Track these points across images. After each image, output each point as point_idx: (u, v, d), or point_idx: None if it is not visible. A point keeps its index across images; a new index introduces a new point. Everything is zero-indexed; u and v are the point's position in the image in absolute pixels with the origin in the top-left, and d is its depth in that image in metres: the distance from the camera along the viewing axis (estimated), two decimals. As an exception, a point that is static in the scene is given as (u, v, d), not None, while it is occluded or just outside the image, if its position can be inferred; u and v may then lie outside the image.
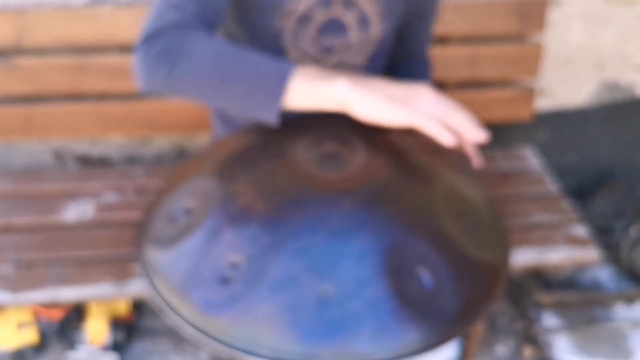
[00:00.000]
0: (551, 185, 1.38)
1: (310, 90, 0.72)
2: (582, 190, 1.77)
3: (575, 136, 1.74)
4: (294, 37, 0.92)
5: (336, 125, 0.82)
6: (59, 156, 1.62)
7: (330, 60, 0.97)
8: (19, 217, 1.30)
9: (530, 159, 1.49)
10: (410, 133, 0.88)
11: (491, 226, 0.74)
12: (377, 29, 0.94)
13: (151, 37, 0.75)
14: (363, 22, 0.93)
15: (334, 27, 0.92)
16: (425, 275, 0.62)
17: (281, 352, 0.58)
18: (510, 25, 1.41)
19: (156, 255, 0.70)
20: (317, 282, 0.60)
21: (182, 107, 1.43)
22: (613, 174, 1.80)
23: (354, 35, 0.94)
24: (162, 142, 1.63)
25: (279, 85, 0.71)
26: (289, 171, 0.70)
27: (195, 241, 0.66)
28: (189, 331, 0.62)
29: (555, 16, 1.52)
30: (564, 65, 1.61)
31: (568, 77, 1.63)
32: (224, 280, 0.62)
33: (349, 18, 0.92)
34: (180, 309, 0.64)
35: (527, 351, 1.47)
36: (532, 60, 1.46)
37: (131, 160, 1.64)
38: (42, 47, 1.34)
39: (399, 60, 1.10)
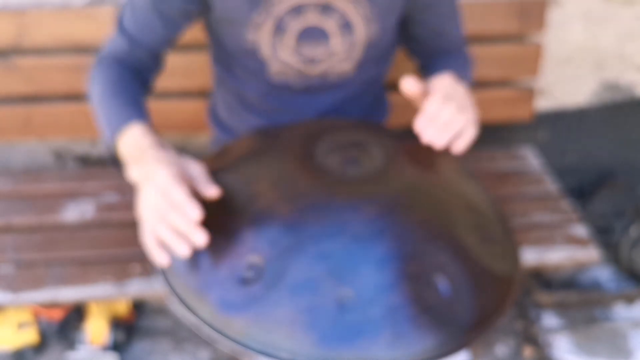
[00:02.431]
0: (551, 185, 1.38)
1: (127, 161, 0.77)
2: (582, 190, 1.77)
3: (575, 136, 1.74)
4: (272, 49, 0.90)
5: (355, 130, 0.82)
6: (59, 156, 1.62)
7: (314, 70, 0.94)
8: (19, 217, 1.30)
9: (530, 159, 1.49)
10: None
11: (503, 238, 0.74)
12: (363, 33, 0.90)
13: (96, 63, 0.91)
14: (346, 27, 0.89)
15: (314, 35, 0.89)
16: (443, 284, 0.62)
17: (299, 355, 0.58)
18: (510, 25, 1.41)
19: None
20: (336, 287, 0.60)
21: (182, 107, 1.43)
22: (613, 174, 1.80)
23: (336, 42, 0.90)
24: (162, 142, 1.63)
25: (111, 143, 0.80)
26: (311, 175, 0.70)
27: (215, 239, 0.66)
28: (206, 330, 0.62)
29: (555, 16, 1.52)
30: (564, 65, 1.61)
31: (568, 77, 1.63)
32: (243, 281, 0.62)
33: (330, 24, 0.89)
34: (198, 308, 0.63)
35: (527, 351, 1.47)
36: (532, 60, 1.46)
37: (131, 160, 1.64)
38: (42, 47, 1.34)
39: (427, 57, 1.05)
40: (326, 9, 0.87)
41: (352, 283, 0.61)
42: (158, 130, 1.45)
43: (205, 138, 1.62)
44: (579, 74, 1.63)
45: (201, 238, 0.64)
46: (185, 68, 1.35)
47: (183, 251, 0.65)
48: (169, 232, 0.65)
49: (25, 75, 1.36)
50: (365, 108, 1.06)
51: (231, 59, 0.97)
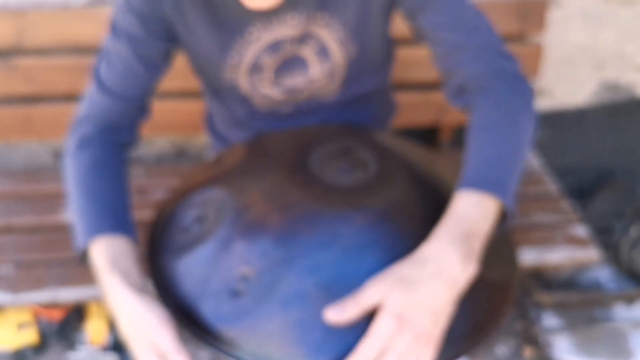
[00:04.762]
0: (551, 185, 1.38)
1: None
2: (582, 190, 1.77)
3: (575, 136, 1.74)
4: (251, 86, 0.89)
5: (347, 138, 0.81)
6: (59, 156, 1.62)
7: (297, 98, 0.92)
8: (19, 217, 1.30)
9: (530, 159, 1.49)
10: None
11: (500, 244, 0.73)
12: (340, 56, 0.87)
13: (75, 126, 0.85)
14: (322, 52, 0.86)
15: (291, 65, 0.87)
16: None
17: None
18: (510, 25, 1.41)
19: (166, 264, 0.69)
20: (327, 299, 0.60)
21: (182, 108, 1.43)
22: (613, 174, 1.80)
23: (315, 69, 0.87)
24: (162, 142, 1.63)
25: (81, 248, 0.73)
26: (302, 185, 0.70)
27: (206, 251, 0.66)
28: (196, 342, 0.62)
29: (555, 16, 1.52)
30: (564, 65, 1.61)
31: (568, 77, 1.63)
32: (234, 293, 0.62)
33: (306, 52, 0.86)
34: (190, 320, 0.63)
35: (527, 351, 1.47)
36: (532, 60, 1.46)
37: (131, 160, 1.63)
38: (42, 47, 1.34)
39: (450, 84, 0.82)
40: (304, 37, 0.83)
41: (343, 295, 0.60)
42: (158, 130, 1.45)
43: (205, 138, 1.61)
44: (579, 74, 1.63)
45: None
46: (185, 68, 1.34)
47: None
48: None
49: (25, 76, 1.36)
50: (369, 117, 1.03)
51: (216, 90, 0.96)
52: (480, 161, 0.69)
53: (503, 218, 0.69)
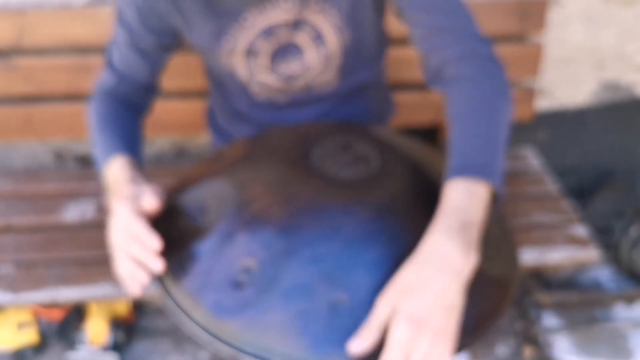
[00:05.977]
0: (551, 185, 1.38)
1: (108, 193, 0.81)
2: (582, 190, 1.77)
3: (575, 136, 1.74)
4: (247, 73, 0.90)
5: (349, 133, 0.82)
6: (59, 156, 1.62)
7: (294, 85, 0.92)
8: (19, 217, 1.30)
9: (530, 159, 1.49)
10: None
11: (501, 240, 0.73)
12: (336, 42, 0.87)
13: (93, 99, 0.95)
14: (318, 39, 0.87)
15: (287, 51, 0.88)
16: None
17: (292, 359, 0.58)
18: (510, 25, 1.41)
19: (169, 257, 0.69)
20: (329, 290, 0.60)
21: (182, 107, 1.43)
22: (613, 174, 1.80)
23: (311, 55, 0.88)
24: (162, 142, 1.63)
25: (101, 172, 0.84)
26: (305, 178, 0.70)
27: (208, 243, 0.66)
28: (199, 334, 0.62)
29: (555, 16, 1.52)
30: (564, 65, 1.61)
31: (568, 77, 1.63)
32: (237, 285, 0.62)
33: (302, 38, 0.87)
34: (192, 312, 0.63)
35: (527, 351, 1.47)
36: (532, 60, 1.46)
37: (131, 160, 1.64)
38: (42, 47, 1.34)
39: (429, 71, 0.83)
40: (298, 23, 0.85)
41: (345, 287, 0.61)
42: (158, 130, 1.46)
43: (206, 138, 1.61)
44: (579, 74, 1.63)
45: (158, 266, 0.67)
46: (185, 68, 1.35)
47: (143, 279, 0.68)
48: (131, 262, 0.69)
49: (25, 75, 1.36)
50: (366, 112, 1.04)
51: (217, 77, 0.98)
52: (464, 149, 0.70)
53: (494, 200, 0.70)
